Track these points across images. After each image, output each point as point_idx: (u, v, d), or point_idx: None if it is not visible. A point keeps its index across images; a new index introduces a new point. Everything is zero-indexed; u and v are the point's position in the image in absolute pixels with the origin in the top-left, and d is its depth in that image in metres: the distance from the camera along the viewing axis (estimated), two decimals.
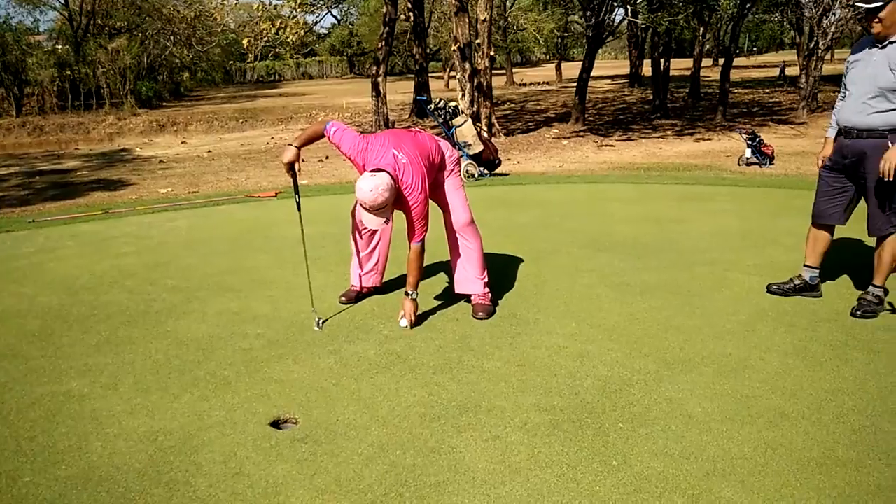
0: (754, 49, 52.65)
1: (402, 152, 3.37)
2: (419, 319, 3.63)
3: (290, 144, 3.59)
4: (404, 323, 3.56)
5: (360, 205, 3.24)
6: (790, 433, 2.50)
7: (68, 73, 28.49)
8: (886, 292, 3.68)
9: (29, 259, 5.08)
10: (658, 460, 2.35)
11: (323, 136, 3.56)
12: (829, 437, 2.47)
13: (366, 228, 3.86)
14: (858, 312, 3.60)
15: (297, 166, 3.66)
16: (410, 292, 3.56)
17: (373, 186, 3.15)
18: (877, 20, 3.39)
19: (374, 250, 3.97)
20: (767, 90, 24.53)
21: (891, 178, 3.35)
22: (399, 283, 4.20)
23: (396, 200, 3.35)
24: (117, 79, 28.78)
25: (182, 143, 19.71)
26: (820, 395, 2.77)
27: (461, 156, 8.27)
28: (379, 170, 3.25)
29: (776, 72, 28.43)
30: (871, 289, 3.67)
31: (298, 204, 3.79)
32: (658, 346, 3.28)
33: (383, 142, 3.42)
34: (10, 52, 27.83)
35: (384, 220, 3.27)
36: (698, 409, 2.69)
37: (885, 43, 3.45)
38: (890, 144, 3.41)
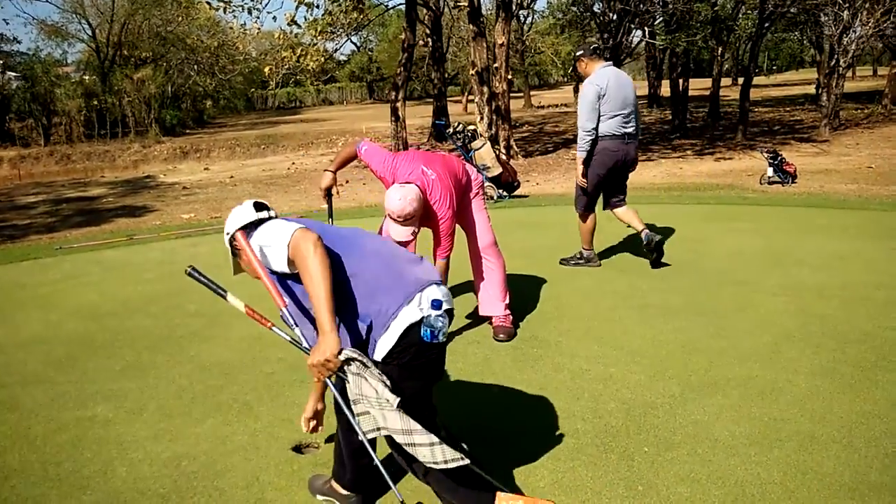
0: (774, 68, 52.44)
1: (430, 169, 3.40)
2: None
3: (326, 170, 3.66)
4: None
5: (389, 215, 3.25)
6: (820, 457, 2.45)
7: (95, 102, 29.12)
8: None
9: (55, 286, 5.16)
10: (685, 485, 2.31)
11: (356, 156, 3.60)
12: (860, 461, 2.42)
13: None
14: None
15: (333, 191, 3.70)
16: None
17: (401, 196, 3.17)
18: None
19: None
20: (788, 108, 24.37)
21: None
22: None
23: (424, 216, 3.37)
24: (142, 107, 29.37)
25: (205, 169, 20.00)
26: (850, 419, 2.71)
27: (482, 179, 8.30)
28: (408, 182, 3.28)
29: (796, 90, 28.23)
30: None
31: None
32: (682, 368, 3.24)
33: (412, 159, 3.46)
34: (38, 84, 28.52)
35: (411, 232, 3.26)
36: (725, 432, 2.64)
37: None
38: None
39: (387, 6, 19.80)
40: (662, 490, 2.29)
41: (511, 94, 15.03)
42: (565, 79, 45.87)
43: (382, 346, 1.92)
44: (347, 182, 13.21)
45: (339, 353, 1.81)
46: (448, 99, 23.21)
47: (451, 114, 22.34)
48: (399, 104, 16.27)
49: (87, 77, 32.67)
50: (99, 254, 6.38)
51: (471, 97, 23.35)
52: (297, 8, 14.15)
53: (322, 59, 16.00)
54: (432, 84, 20.95)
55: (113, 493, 2.39)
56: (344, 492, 2.27)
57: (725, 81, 32.18)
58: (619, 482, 2.35)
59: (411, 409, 1.91)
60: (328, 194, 3.69)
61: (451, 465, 1.85)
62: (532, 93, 37.65)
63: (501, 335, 3.67)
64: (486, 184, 8.76)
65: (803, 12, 19.04)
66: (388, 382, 1.86)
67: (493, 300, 3.76)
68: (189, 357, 3.61)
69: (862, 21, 16.20)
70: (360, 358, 1.85)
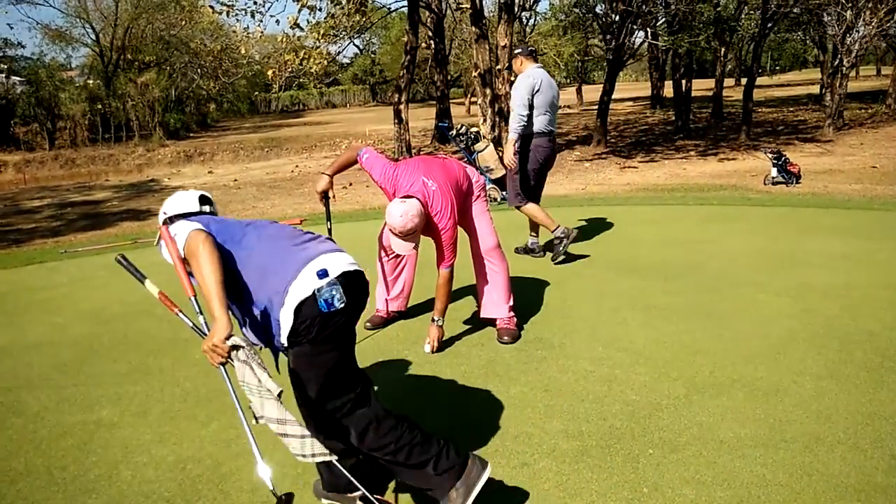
0: (777, 68, 52.34)
1: (431, 179, 3.40)
2: (444, 344, 3.62)
3: (323, 173, 3.66)
4: (428, 349, 3.56)
5: (390, 230, 3.27)
6: (826, 459, 2.44)
7: (99, 106, 29.23)
8: None
9: (61, 289, 5.18)
10: (690, 487, 2.31)
11: (356, 162, 3.60)
12: (866, 462, 2.41)
13: (392, 254, 3.88)
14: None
15: (330, 194, 3.70)
16: (437, 318, 3.56)
17: (403, 212, 3.17)
18: None
19: (399, 276, 3.99)
20: (792, 108, 24.32)
21: None
22: (423, 307, 4.21)
23: (426, 227, 3.38)
24: (146, 111, 29.46)
25: (209, 172, 20.05)
26: (856, 420, 2.70)
27: (485, 181, 8.30)
28: (409, 196, 3.28)
29: (799, 90, 28.18)
30: None
31: (330, 231, 3.83)
32: (687, 369, 3.24)
33: (413, 169, 3.45)
34: (43, 88, 28.64)
35: (413, 245, 3.29)
36: (730, 433, 2.64)
37: None
38: None
39: (389, 9, 19.83)
40: (668, 492, 2.29)
41: None
42: (568, 80, 45.87)
43: (285, 326, 2.00)
44: (351, 185, 13.24)
45: (228, 338, 1.90)
46: (451, 101, 23.23)
47: (454, 116, 22.35)
48: (402, 106, 16.29)
49: (91, 81, 32.80)
50: (104, 257, 6.40)
51: (474, 99, 23.37)
52: (299, 11, 14.16)
53: (325, 62, 16.02)
54: (435, 86, 20.98)
55: (118, 496, 2.40)
56: (341, 494, 2.28)
57: (728, 82, 32.13)
58: (624, 484, 2.34)
59: (338, 379, 2.04)
60: (325, 197, 3.70)
61: (318, 460, 1.94)
62: None
63: (506, 337, 3.67)
64: (490, 185, 8.76)
65: (806, 12, 19.01)
66: (270, 372, 1.96)
67: (496, 303, 3.76)
68: (194, 360, 3.62)
69: (865, 20, 16.17)
70: (245, 345, 1.93)
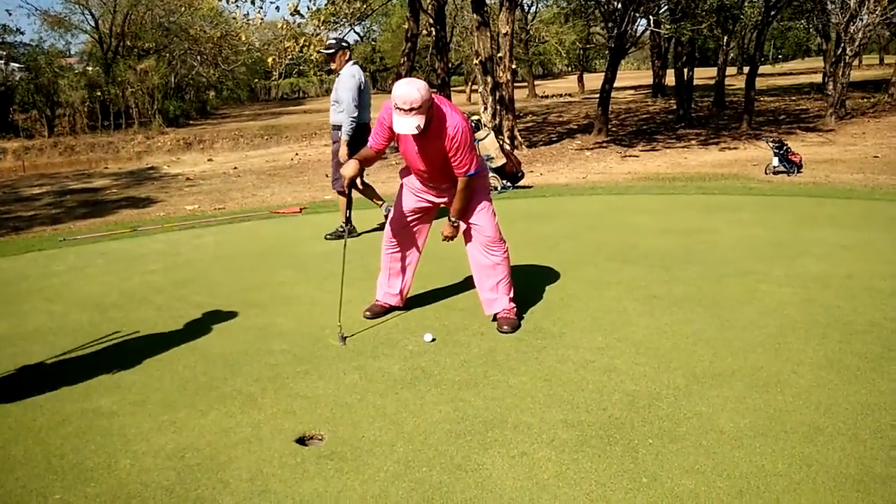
0: (779, 56, 52.07)
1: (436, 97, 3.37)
2: (443, 334, 3.61)
3: (353, 158, 3.57)
4: (428, 338, 3.55)
5: (394, 105, 3.20)
6: (825, 449, 2.44)
7: (98, 93, 29.12)
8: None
9: (60, 277, 5.17)
10: (689, 477, 2.31)
11: (374, 151, 3.58)
12: (866, 453, 2.41)
13: (395, 248, 3.84)
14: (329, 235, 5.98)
15: (358, 181, 3.60)
16: (453, 219, 3.59)
17: (409, 81, 3.17)
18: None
19: (403, 270, 3.94)
20: (794, 97, 24.22)
21: None
22: (422, 298, 4.20)
23: (435, 135, 3.32)
24: (145, 98, 29.37)
25: (208, 160, 20.01)
26: (856, 410, 2.70)
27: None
28: None
29: (802, 79, 28.06)
30: None
31: (349, 219, 3.77)
32: (687, 359, 3.23)
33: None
34: (42, 75, 28.53)
35: (416, 125, 3.19)
36: (730, 424, 2.63)
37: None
38: None
39: None
40: (667, 482, 2.28)
41: (515, 84, 14.96)
42: (569, 68, 45.66)
43: None
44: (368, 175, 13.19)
45: None
46: (452, 89, 23.12)
47: (455, 103, 22.25)
48: None
49: (90, 68, 32.66)
50: (103, 245, 6.38)
51: (474, 87, 23.25)
52: None
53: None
54: (436, 74, 20.85)
55: (117, 485, 2.39)
56: None
57: (731, 70, 31.97)
58: (624, 474, 2.34)
59: None
60: (351, 184, 3.58)
61: None
62: (536, 82, 37.52)
63: (506, 327, 3.66)
64: (490, 174, 8.73)
65: (809, 0, 18.88)
66: None
67: (498, 296, 3.72)
68: (193, 348, 3.61)
69: (869, 9, 16.07)
70: None
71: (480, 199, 3.69)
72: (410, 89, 3.15)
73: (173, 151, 23.55)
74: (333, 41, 5.92)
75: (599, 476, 2.34)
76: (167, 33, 32.86)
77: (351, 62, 5.83)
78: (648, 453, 2.46)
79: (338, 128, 5.84)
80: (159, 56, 31.71)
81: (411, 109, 3.17)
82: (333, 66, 5.88)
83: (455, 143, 3.39)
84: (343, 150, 5.73)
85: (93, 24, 33.01)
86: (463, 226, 3.68)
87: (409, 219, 3.82)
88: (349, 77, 5.71)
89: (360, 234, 6.18)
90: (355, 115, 5.69)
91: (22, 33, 43.39)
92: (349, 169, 3.53)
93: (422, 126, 3.23)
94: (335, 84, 5.86)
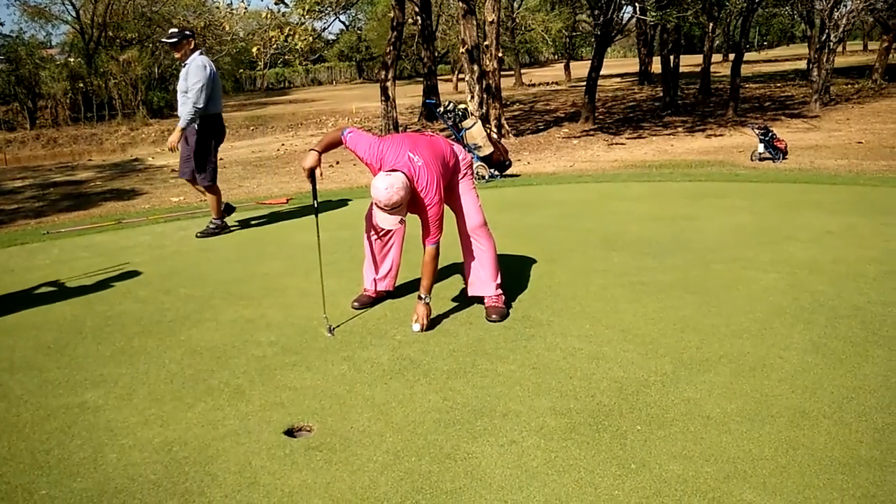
0: (764, 43, 52.24)
1: (417, 155, 3.36)
2: (432, 323, 3.61)
3: (311, 149, 3.57)
4: (417, 328, 3.54)
5: (376, 204, 3.24)
6: (811, 433, 2.46)
7: (81, 85, 28.76)
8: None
9: (44, 271, 5.11)
10: (677, 463, 2.32)
11: (341, 142, 3.55)
12: (851, 436, 2.43)
13: (380, 231, 3.85)
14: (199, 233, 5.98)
15: (318, 171, 3.63)
16: (424, 296, 3.55)
17: (388, 185, 3.15)
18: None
19: (387, 254, 3.95)
20: (779, 84, 24.32)
21: None
22: (411, 286, 4.19)
23: (411, 203, 3.35)
24: (129, 90, 29.02)
25: None
26: (841, 394, 2.72)
27: (473, 158, 8.26)
28: (394, 170, 3.25)
29: (787, 66, 28.17)
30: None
31: (316, 209, 3.78)
32: (674, 346, 3.24)
33: (399, 144, 3.42)
34: (23, 66, 28.12)
35: (399, 220, 3.26)
36: (717, 409, 2.65)
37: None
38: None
39: None
40: (655, 468, 2.30)
41: (501, 73, 14.91)
42: (556, 56, 45.60)
43: None
44: (338, 163, 13.14)
45: None
46: (438, 78, 23.02)
47: (441, 93, 22.17)
48: (389, 83, 16.14)
49: (71, 59, 32.24)
50: (88, 238, 6.32)
51: (461, 76, 23.18)
52: None
53: (310, 39, 15.82)
54: (422, 63, 20.79)
55: (104, 479, 2.38)
56: None
57: (716, 58, 32.05)
58: (612, 461, 2.35)
59: None
60: (312, 175, 3.62)
61: None
62: (523, 71, 37.43)
63: (494, 315, 3.66)
64: (478, 163, 8.71)
65: None
66: None
67: (484, 281, 3.74)
68: (179, 341, 3.59)
69: None
70: None
71: (466, 187, 3.69)
72: (390, 194, 3.15)
73: (158, 143, 23.29)
74: (176, 30, 5.81)
75: (588, 463, 2.34)
76: (150, 23, 32.40)
77: (198, 51, 5.76)
78: (637, 439, 2.47)
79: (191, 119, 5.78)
80: (142, 46, 31.29)
81: (393, 209, 3.20)
82: (177, 55, 5.78)
83: (429, 216, 3.42)
84: (174, 137, 5.73)
85: (74, 14, 32.51)
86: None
87: None
88: (199, 67, 5.64)
89: (231, 231, 6.14)
90: (201, 105, 5.62)
91: (1, 24, 42.69)
92: (308, 160, 3.55)
93: (404, 219, 3.32)
94: (182, 74, 5.74)
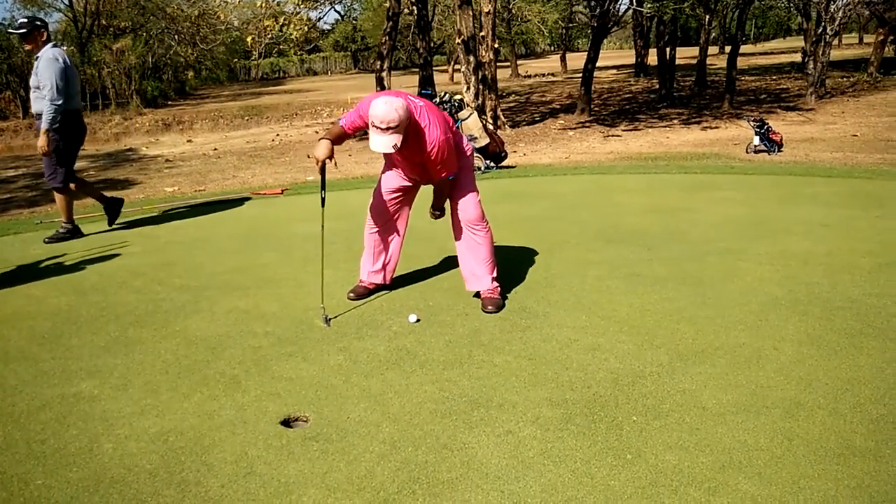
0: (761, 36, 52.22)
1: (420, 101, 3.34)
2: (428, 315, 3.61)
3: (324, 138, 3.50)
4: (413, 318, 3.54)
5: (371, 123, 3.15)
6: (806, 423, 2.47)
7: None
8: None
9: (38, 261, 5.08)
10: (673, 453, 2.33)
11: (345, 131, 3.51)
12: (846, 426, 2.44)
13: (377, 228, 3.82)
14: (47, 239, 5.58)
15: (332, 162, 3.54)
16: (436, 211, 3.64)
17: (387, 101, 3.12)
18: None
19: (387, 247, 3.92)
20: (774, 77, 24.33)
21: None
22: (406, 278, 4.19)
23: (416, 151, 3.30)
24: (122, 79, 28.81)
25: (188, 141, 19.72)
26: (836, 385, 2.74)
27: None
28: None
29: (783, 58, 28.16)
30: None
31: (323, 200, 3.74)
32: (670, 337, 3.25)
33: (395, 94, 3.33)
34: (15, 55, 27.86)
35: (392, 143, 3.16)
36: (712, 400, 2.66)
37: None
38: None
39: None
40: (651, 458, 2.30)
41: (497, 64, 14.87)
42: (552, 48, 45.48)
43: None
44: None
45: None
46: (434, 68, 22.90)
47: (437, 83, 22.09)
48: (384, 74, 16.07)
49: (64, 47, 31.92)
50: (82, 228, 6.28)
51: (457, 66, 23.10)
52: None
53: (305, 28, 15.74)
54: (418, 53, 20.68)
55: (99, 469, 2.37)
56: None
57: (712, 50, 32.01)
58: (608, 451, 2.36)
59: None
60: (323, 166, 3.55)
61: None
62: (519, 62, 37.33)
63: (490, 307, 3.66)
64: (474, 154, 8.70)
65: None
66: None
67: (480, 273, 3.73)
68: (175, 331, 3.58)
69: None
70: None
71: (464, 179, 3.67)
72: (388, 109, 3.10)
73: (152, 132, 23.19)
74: (25, 20, 5.38)
75: (584, 453, 2.35)
76: (143, 12, 32.13)
77: (51, 43, 5.38)
78: (633, 430, 2.48)
79: (41, 116, 5.35)
80: (136, 35, 31.04)
81: (388, 128, 3.13)
82: (28, 48, 5.41)
83: (433, 157, 3.37)
84: (42, 141, 5.34)
85: (66, 2, 32.21)
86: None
87: (391, 197, 3.79)
88: (51, 60, 5.24)
89: (85, 236, 5.78)
90: (60, 102, 5.25)
91: None
92: (321, 150, 3.47)
93: (398, 145, 3.20)
94: (35, 68, 5.33)
